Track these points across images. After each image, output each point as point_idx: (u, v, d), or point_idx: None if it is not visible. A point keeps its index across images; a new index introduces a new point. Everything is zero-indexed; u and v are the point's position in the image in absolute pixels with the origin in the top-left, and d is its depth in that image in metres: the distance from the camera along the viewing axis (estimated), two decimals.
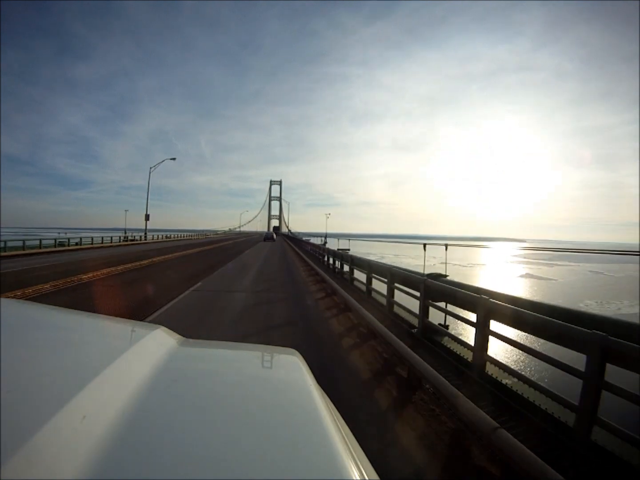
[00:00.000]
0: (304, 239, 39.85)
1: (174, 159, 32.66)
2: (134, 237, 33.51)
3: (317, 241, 27.37)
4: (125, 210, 48.88)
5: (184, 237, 51.11)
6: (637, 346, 2.18)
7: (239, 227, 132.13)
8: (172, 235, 47.59)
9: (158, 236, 40.31)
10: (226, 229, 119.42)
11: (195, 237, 54.54)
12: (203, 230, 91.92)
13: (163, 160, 31.26)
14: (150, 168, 30.96)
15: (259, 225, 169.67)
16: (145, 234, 34.24)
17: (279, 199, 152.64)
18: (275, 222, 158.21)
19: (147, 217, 33.72)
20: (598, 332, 2.37)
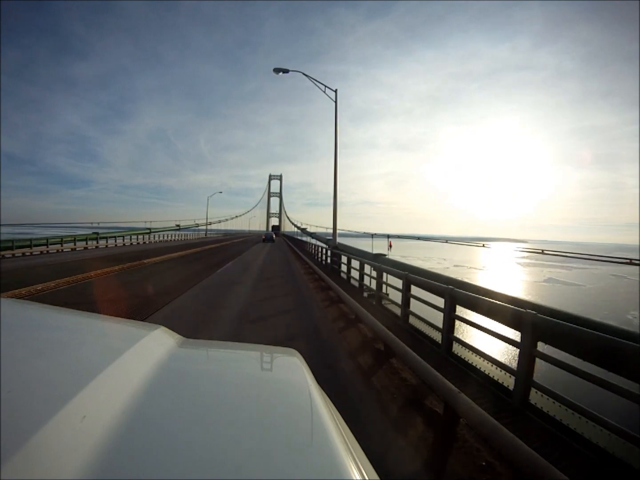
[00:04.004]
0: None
1: None
2: None
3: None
4: None
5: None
6: (559, 322, 2.68)
7: (206, 224, 53.05)
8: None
9: None
10: (173, 224, 40.11)
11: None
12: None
13: None
14: None
15: (258, 224, 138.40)
16: None
17: (279, 195, 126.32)
18: (274, 221, 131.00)
19: None
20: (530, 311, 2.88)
